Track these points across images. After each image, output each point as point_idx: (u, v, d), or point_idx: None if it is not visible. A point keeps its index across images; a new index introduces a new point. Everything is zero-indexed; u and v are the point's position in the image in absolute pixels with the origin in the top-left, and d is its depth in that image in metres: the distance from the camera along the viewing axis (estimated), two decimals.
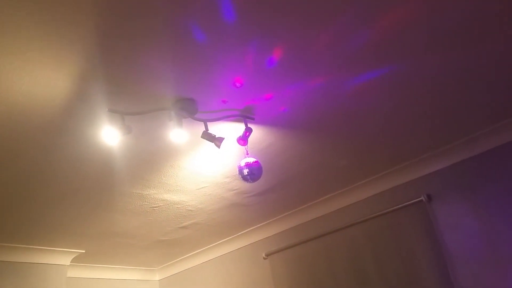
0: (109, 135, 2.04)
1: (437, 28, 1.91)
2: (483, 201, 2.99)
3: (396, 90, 2.35)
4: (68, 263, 4.14)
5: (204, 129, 2.26)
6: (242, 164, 2.36)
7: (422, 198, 3.22)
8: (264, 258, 4.22)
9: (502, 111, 2.79)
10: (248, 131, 2.34)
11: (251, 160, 2.37)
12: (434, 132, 2.93)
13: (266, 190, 3.45)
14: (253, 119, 2.38)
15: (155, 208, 3.43)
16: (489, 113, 2.80)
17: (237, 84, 2.08)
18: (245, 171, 2.34)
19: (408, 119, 2.68)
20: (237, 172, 2.41)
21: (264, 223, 4.24)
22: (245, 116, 2.34)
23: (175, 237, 4.20)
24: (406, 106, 2.52)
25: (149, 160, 2.65)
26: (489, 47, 2.10)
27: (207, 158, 2.76)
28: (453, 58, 2.14)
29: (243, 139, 2.37)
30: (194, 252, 4.85)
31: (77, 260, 4.35)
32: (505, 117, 2.87)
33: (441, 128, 2.88)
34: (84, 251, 4.16)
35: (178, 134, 2.13)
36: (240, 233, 4.45)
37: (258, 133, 2.55)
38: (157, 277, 5.34)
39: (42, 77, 1.80)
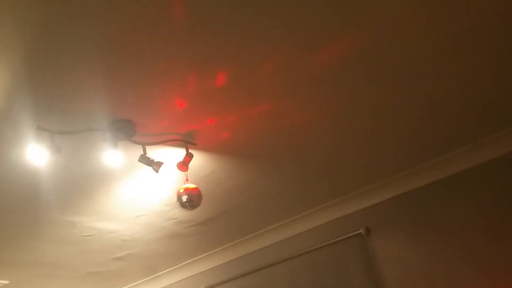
0: (36, 154, 1.90)
1: (377, 61, 1.97)
2: (420, 234, 3.06)
3: (336, 123, 2.39)
4: None
5: (142, 152, 2.17)
6: (181, 190, 2.28)
7: (360, 230, 3.25)
8: None
9: (440, 147, 2.90)
10: (189, 156, 2.27)
11: (190, 186, 2.29)
12: (372, 166, 2.99)
13: (207, 220, 3.34)
14: (194, 144, 2.31)
15: (87, 237, 3.22)
16: (426, 148, 2.90)
17: (179, 107, 2.02)
18: (184, 198, 2.25)
19: (349, 152, 2.72)
20: (176, 199, 2.31)
21: (205, 254, 4.10)
22: (187, 141, 2.27)
23: (108, 269, 3.95)
24: (346, 139, 2.56)
25: (81, 184, 2.49)
26: (421, 84, 2.19)
27: (145, 184, 2.64)
28: (391, 92, 2.21)
29: (183, 165, 2.29)
30: (128, 286, 4.58)
31: None
32: (442, 153, 2.98)
33: (379, 162, 2.95)
34: (7, 282, 3.81)
35: (113, 156, 2.02)
36: (178, 266, 4.27)
37: (200, 159, 2.48)
38: None
39: None
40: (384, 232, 3.22)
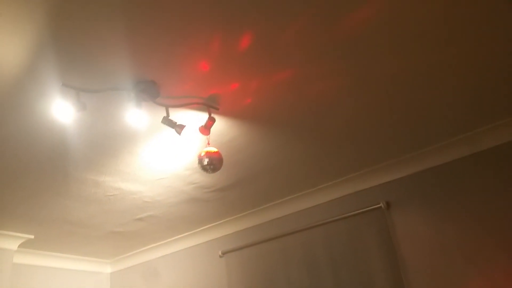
0: (63, 110, 1.93)
1: (400, 31, 1.91)
2: (438, 211, 3.03)
3: (359, 93, 2.34)
4: (15, 248, 3.94)
5: (165, 114, 2.18)
6: (203, 153, 2.29)
7: (381, 204, 3.24)
8: (220, 256, 4.14)
9: (464, 124, 2.84)
10: (212, 120, 2.27)
11: (212, 149, 2.31)
12: (397, 140, 2.94)
13: (226, 186, 3.38)
14: (217, 109, 2.31)
15: (110, 197, 3.30)
16: (451, 125, 2.84)
17: (203, 69, 2.01)
18: (205, 161, 2.27)
19: (372, 124, 2.68)
20: (197, 162, 2.33)
21: (222, 221, 4.18)
22: (209, 105, 2.27)
23: (129, 229, 4.07)
24: (369, 110, 2.52)
25: (106, 144, 2.53)
26: (455, 51, 2.11)
27: (167, 147, 2.67)
28: (418, 61, 2.15)
29: (205, 129, 2.30)
30: (148, 247, 4.72)
31: (25, 245, 4.15)
32: (466, 130, 2.92)
33: (403, 136, 2.90)
34: (33, 237, 3.97)
35: (137, 116, 2.05)
36: (197, 230, 4.36)
37: (221, 124, 2.48)
38: (108, 269, 5.17)
39: None
40: (404, 207, 3.20)
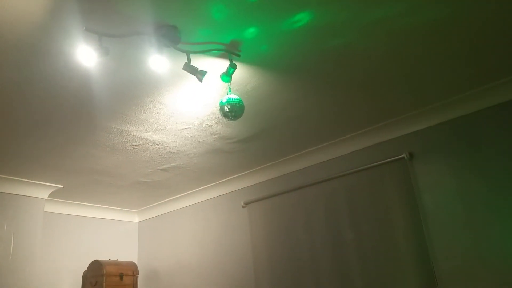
0: (86, 55, 1.95)
1: None
2: (462, 162, 3.00)
3: (385, 40, 2.27)
4: (46, 197, 4.13)
5: (186, 61, 2.18)
6: (224, 100, 2.30)
7: (403, 155, 3.22)
8: (243, 207, 4.24)
9: (488, 74, 2.74)
10: (233, 67, 2.26)
11: (233, 96, 2.31)
12: (421, 89, 2.87)
13: (248, 138, 3.41)
14: (238, 55, 2.29)
15: (135, 147, 3.38)
16: (476, 75, 2.74)
17: (224, 14, 1.98)
18: (226, 107, 2.28)
19: (397, 73, 2.61)
20: (219, 109, 2.34)
21: (245, 172, 4.24)
22: (231, 52, 2.25)
23: (155, 179, 4.18)
24: (395, 58, 2.45)
25: (129, 92, 2.56)
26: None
27: (189, 95, 2.68)
28: (439, 8, 2.05)
29: (226, 76, 2.29)
30: (174, 197, 4.87)
31: (56, 195, 4.34)
32: (491, 80, 2.82)
33: (429, 85, 2.82)
34: (62, 186, 4.14)
35: (159, 62, 2.05)
36: (220, 181, 4.45)
37: (243, 72, 2.47)
38: (136, 219, 5.38)
39: None
40: (427, 157, 3.17)
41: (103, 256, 4.79)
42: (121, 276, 4.39)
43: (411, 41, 2.31)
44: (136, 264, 4.71)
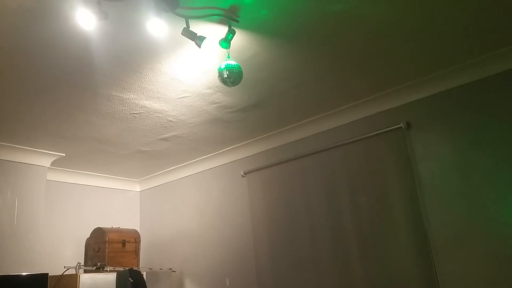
0: (85, 19, 1.96)
1: None
2: (458, 132, 3.03)
3: (383, 7, 2.27)
4: (48, 165, 4.19)
5: (185, 26, 2.19)
6: (223, 66, 2.31)
7: (401, 125, 3.25)
8: (242, 176, 4.31)
9: (488, 43, 2.74)
10: (232, 32, 2.27)
11: (232, 62, 2.32)
12: (420, 58, 2.88)
13: (248, 107, 3.43)
14: (237, 21, 2.29)
15: (135, 115, 3.41)
16: (475, 44, 2.75)
17: None
18: (225, 73, 2.30)
19: (397, 38, 2.61)
20: (217, 75, 2.36)
21: (244, 142, 4.29)
22: (229, 17, 2.25)
23: (155, 148, 4.23)
24: (392, 26, 2.45)
25: (128, 58, 2.57)
26: None
27: (188, 62, 2.69)
28: None
29: (225, 41, 2.30)
30: (175, 167, 4.94)
31: (58, 163, 4.40)
32: (489, 50, 2.82)
33: (428, 55, 2.83)
34: (64, 155, 4.19)
35: (157, 25, 2.06)
36: (220, 151, 4.51)
37: (242, 39, 2.47)
38: (138, 188, 5.47)
39: None
40: (424, 127, 3.20)
41: (106, 224, 4.89)
42: (123, 243, 4.49)
43: (410, 7, 2.30)
44: (138, 231, 4.82)
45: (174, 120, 3.57)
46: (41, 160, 4.12)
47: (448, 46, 2.74)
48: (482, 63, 2.92)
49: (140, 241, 4.65)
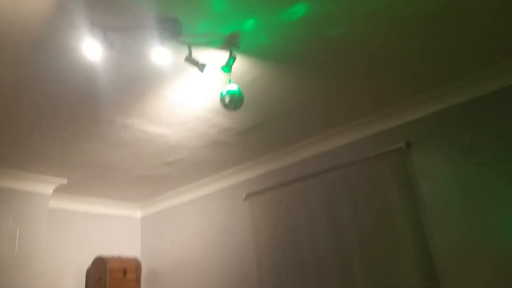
0: (91, 49, 2.02)
1: None
2: (458, 150, 3.06)
3: (384, 26, 2.35)
4: (50, 193, 4.19)
5: (187, 53, 2.25)
6: (224, 91, 2.37)
7: (401, 145, 3.29)
8: (244, 200, 4.31)
9: (482, 62, 2.82)
10: (233, 57, 2.34)
11: (233, 87, 2.38)
12: (417, 78, 2.94)
13: (248, 129, 3.48)
14: (238, 47, 2.36)
15: (138, 140, 3.45)
16: (470, 63, 2.82)
17: (224, 7, 2.05)
18: (227, 98, 2.35)
19: (394, 59, 2.67)
20: (219, 100, 2.42)
21: (246, 164, 4.31)
22: (230, 43, 2.32)
23: (157, 173, 4.25)
24: (393, 44, 2.52)
25: (132, 85, 2.63)
26: None
27: (191, 88, 2.75)
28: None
29: (227, 67, 2.37)
30: (176, 191, 4.94)
31: (59, 191, 4.40)
32: (484, 68, 2.89)
33: (424, 74, 2.90)
34: (66, 181, 4.20)
35: (161, 54, 2.13)
36: (221, 174, 4.52)
37: (242, 64, 2.54)
38: (139, 214, 5.45)
39: None
40: (424, 146, 3.24)
41: (107, 252, 4.86)
42: (125, 272, 4.45)
43: (405, 30, 2.38)
44: (139, 260, 4.78)
45: (176, 144, 3.61)
46: (43, 188, 4.12)
47: (446, 65, 2.81)
48: (480, 80, 2.98)
49: (141, 270, 4.61)
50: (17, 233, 3.87)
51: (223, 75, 2.59)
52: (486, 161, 2.93)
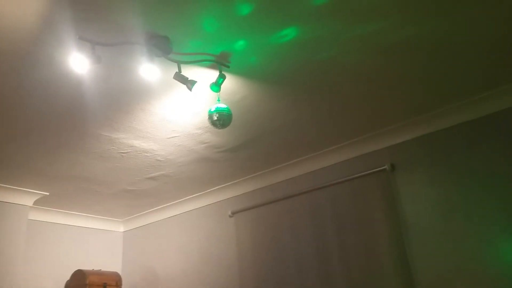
0: (79, 63, 2.00)
1: None
2: (441, 174, 3.10)
3: (370, 54, 2.37)
4: (31, 204, 4.11)
5: (177, 70, 2.24)
6: (213, 108, 2.36)
7: (385, 166, 3.31)
8: (230, 216, 4.28)
9: (465, 91, 2.87)
10: (222, 77, 2.33)
11: (222, 105, 2.37)
12: (403, 103, 2.97)
13: (236, 147, 3.46)
14: (228, 66, 2.36)
15: (123, 155, 3.41)
16: (457, 89, 2.86)
17: (214, 26, 2.06)
18: (215, 116, 2.34)
19: (382, 83, 2.70)
20: (207, 117, 2.40)
21: (232, 182, 4.29)
22: (220, 63, 2.32)
23: (142, 188, 4.20)
24: (381, 69, 2.54)
25: (120, 99, 2.61)
26: (470, 14, 2.13)
27: (179, 104, 2.74)
28: (429, 29, 2.17)
29: (216, 85, 2.36)
30: (160, 206, 4.88)
31: (40, 203, 4.31)
32: (471, 95, 2.94)
33: (410, 100, 2.93)
34: (48, 194, 4.12)
35: (150, 71, 2.11)
36: (207, 191, 4.49)
37: (232, 83, 2.54)
38: (121, 228, 5.36)
39: None
40: (408, 169, 3.27)
41: (87, 266, 4.76)
42: (104, 286, 4.36)
43: (394, 56, 2.41)
44: (120, 274, 4.69)
45: (162, 159, 3.57)
46: (23, 199, 4.04)
47: (431, 91, 2.85)
48: (465, 107, 3.03)
49: (121, 285, 4.52)
50: None
51: (212, 93, 2.58)
52: (467, 186, 2.97)
